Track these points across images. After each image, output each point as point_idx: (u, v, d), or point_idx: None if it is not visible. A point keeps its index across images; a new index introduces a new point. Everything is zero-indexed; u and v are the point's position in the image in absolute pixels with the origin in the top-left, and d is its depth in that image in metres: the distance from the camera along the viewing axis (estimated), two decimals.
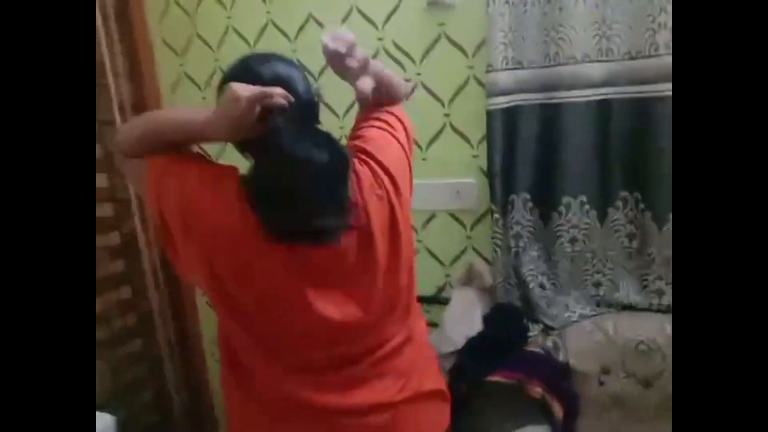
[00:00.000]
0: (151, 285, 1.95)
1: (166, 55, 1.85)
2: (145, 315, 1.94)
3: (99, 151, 1.75)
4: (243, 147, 0.88)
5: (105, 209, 1.78)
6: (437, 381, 1.01)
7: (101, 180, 1.76)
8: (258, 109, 0.78)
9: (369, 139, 0.94)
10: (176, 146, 0.87)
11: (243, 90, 0.77)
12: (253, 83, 0.79)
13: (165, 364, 2.02)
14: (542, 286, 1.50)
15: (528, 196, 1.46)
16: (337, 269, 0.86)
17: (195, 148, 0.96)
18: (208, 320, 2.10)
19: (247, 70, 0.85)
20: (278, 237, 0.80)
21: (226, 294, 0.83)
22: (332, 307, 0.85)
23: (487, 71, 1.36)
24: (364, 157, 0.90)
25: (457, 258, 1.63)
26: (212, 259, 0.81)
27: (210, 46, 1.78)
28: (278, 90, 0.79)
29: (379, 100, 0.98)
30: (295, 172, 0.77)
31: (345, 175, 0.80)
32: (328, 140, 0.80)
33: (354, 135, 0.97)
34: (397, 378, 0.92)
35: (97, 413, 1.29)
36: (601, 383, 1.37)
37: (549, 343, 1.43)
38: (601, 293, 1.47)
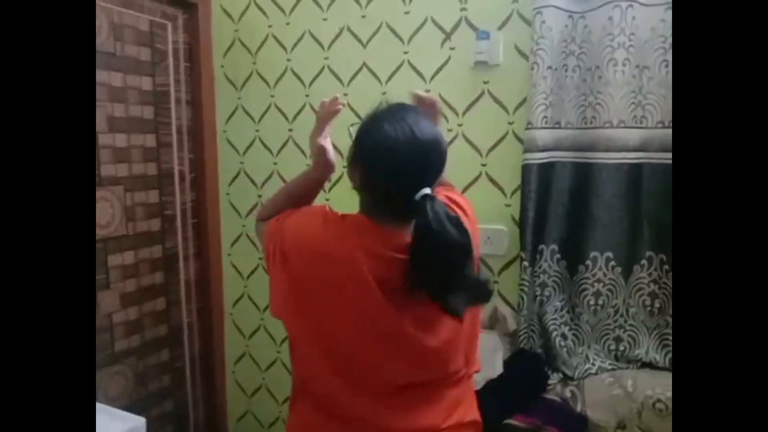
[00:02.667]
0: (183, 299, 2.05)
1: (226, 87, 2.01)
2: (175, 327, 2.02)
3: (154, 168, 1.88)
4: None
5: (153, 224, 1.90)
6: (476, 413, 1.07)
7: (153, 196, 1.89)
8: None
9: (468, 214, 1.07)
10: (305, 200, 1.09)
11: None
12: (385, 157, 0.87)
13: (187, 377, 2.09)
14: (564, 336, 1.54)
15: (556, 248, 1.53)
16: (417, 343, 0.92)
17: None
18: (233, 340, 2.17)
19: (384, 141, 0.87)
20: (455, 308, 0.86)
21: (326, 327, 0.90)
22: (430, 336, 0.91)
23: (527, 128, 1.46)
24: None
25: None
26: (326, 289, 0.88)
27: (267, 83, 1.93)
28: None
29: None
30: (453, 256, 0.82)
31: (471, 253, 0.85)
32: (459, 222, 0.84)
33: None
34: (448, 406, 0.98)
35: (129, 414, 1.35)
36: None
37: (567, 393, 1.46)
38: (621, 348, 1.50)
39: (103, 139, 1.69)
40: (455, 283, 0.84)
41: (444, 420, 0.97)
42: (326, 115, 1.06)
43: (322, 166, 1.07)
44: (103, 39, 1.68)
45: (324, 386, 0.95)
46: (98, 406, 1.36)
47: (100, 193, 1.69)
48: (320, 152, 1.05)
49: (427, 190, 0.84)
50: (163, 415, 1.99)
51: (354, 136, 0.94)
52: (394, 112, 0.90)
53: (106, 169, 1.71)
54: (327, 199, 1.90)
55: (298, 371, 1.02)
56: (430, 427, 0.95)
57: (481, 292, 0.88)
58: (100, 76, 1.67)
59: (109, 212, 1.73)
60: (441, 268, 0.82)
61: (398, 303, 0.87)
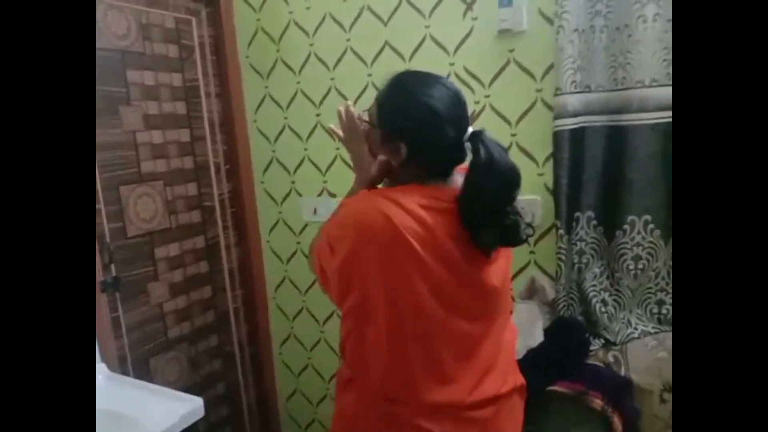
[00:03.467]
0: (228, 286, 2.13)
1: (253, 77, 2.04)
2: (222, 314, 2.10)
3: (190, 162, 1.94)
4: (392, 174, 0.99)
5: (194, 216, 1.97)
6: (522, 377, 1.09)
7: (191, 189, 1.96)
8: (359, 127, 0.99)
9: None
10: None
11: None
12: (432, 110, 0.90)
13: (236, 360, 2.18)
14: (604, 302, 1.53)
15: (592, 214, 1.51)
16: (487, 286, 0.96)
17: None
18: (277, 322, 2.24)
19: (426, 98, 0.91)
20: (486, 244, 0.91)
21: (424, 296, 0.89)
22: (493, 276, 0.96)
23: (556, 94, 1.43)
24: None
25: (519, 272, 1.69)
26: (415, 284, 0.88)
27: (292, 70, 1.95)
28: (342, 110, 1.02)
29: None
30: (507, 180, 0.89)
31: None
32: (506, 150, 0.92)
33: None
34: (501, 372, 1.01)
35: (188, 395, 1.43)
36: (663, 400, 1.38)
37: (610, 358, 1.46)
38: (664, 311, 1.48)
39: (141, 137, 1.76)
40: (497, 211, 0.89)
41: (501, 386, 1.00)
42: (354, 132, 1.02)
43: (380, 174, 1.01)
44: (133, 40, 1.73)
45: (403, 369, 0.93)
46: (158, 388, 1.45)
47: (141, 189, 1.76)
48: (378, 164, 0.99)
49: (470, 129, 0.92)
50: (217, 397, 2.09)
51: (382, 114, 0.95)
52: (411, 75, 0.98)
53: (145, 165, 1.78)
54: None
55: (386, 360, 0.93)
56: (491, 397, 0.98)
57: (515, 232, 0.92)
58: (133, 75, 1.73)
59: (152, 207, 1.80)
60: (488, 196, 0.88)
61: (469, 251, 0.91)
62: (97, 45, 1.62)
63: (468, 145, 0.91)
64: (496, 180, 0.88)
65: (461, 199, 0.89)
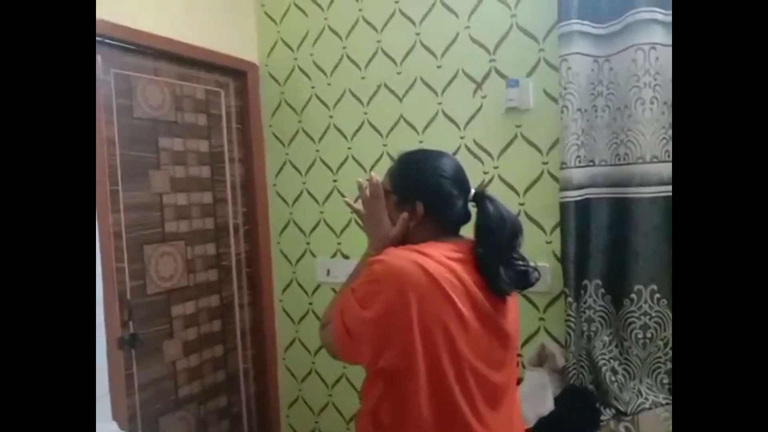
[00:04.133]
0: (239, 345, 2.15)
1: (275, 144, 2.17)
2: (232, 373, 2.11)
3: (211, 223, 2.03)
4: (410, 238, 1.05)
5: (211, 274, 2.03)
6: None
7: (210, 248, 2.03)
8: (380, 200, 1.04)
9: None
10: None
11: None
12: (442, 175, 1.03)
13: (244, 422, 2.16)
14: (614, 371, 1.54)
15: (600, 282, 1.55)
16: (507, 334, 1.02)
17: None
18: (286, 384, 2.24)
19: (435, 165, 1.05)
20: (499, 290, 0.97)
21: (455, 350, 0.93)
22: (509, 322, 1.01)
23: (562, 168, 1.52)
24: None
25: (529, 338, 1.71)
26: (453, 340, 0.92)
27: (312, 139, 2.08)
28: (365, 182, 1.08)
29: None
30: (512, 229, 0.99)
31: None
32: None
33: None
34: (519, 428, 1.07)
35: None
36: None
37: (621, 429, 1.45)
38: None
39: (167, 198, 1.86)
40: (509, 256, 0.99)
41: None
42: (378, 198, 1.07)
43: (401, 233, 1.05)
44: (166, 110, 1.87)
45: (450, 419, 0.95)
46: None
47: (163, 248, 1.84)
48: (401, 222, 1.04)
49: (473, 190, 1.05)
50: None
51: (399, 181, 1.06)
52: (420, 152, 1.12)
53: (169, 226, 1.86)
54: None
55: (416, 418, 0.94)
56: None
57: (526, 274, 1.00)
58: (164, 142, 1.85)
59: (172, 266, 1.87)
60: (500, 239, 0.97)
61: (489, 298, 0.97)
62: (134, 115, 1.75)
63: (472, 205, 1.04)
64: (506, 226, 0.99)
65: (479, 246, 0.98)
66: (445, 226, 1.04)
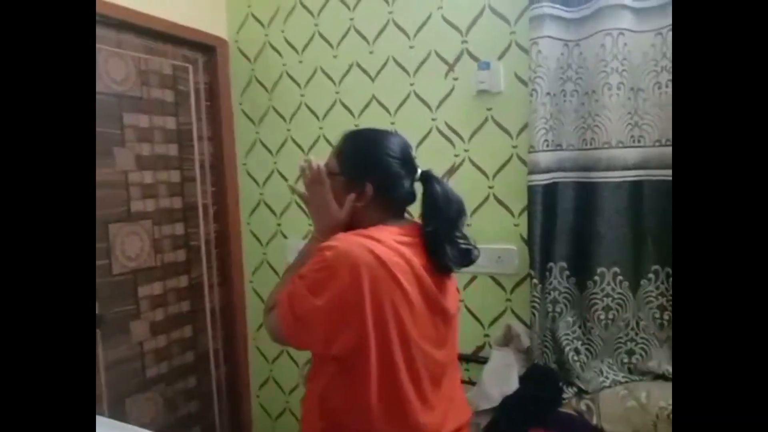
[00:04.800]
0: (209, 326, 2.13)
1: (245, 123, 2.13)
2: (201, 354, 2.10)
3: (179, 202, 1.99)
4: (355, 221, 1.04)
5: (179, 255, 2.00)
6: (470, 412, 1.16)
7: (178, 228, 2.00)
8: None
9: None
10: None
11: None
12: (391, 155, 1.03)
13: (214, 402, 2.16)
14: (577, 351, 1.58)
15: (565, 265, 1.58)
16: (449, 312, 1.05)
17: None
18: (256, 364, 2.24)
19: (384, 145, 1.05)
20: (445, 267, 1.01)
21: (406, 333, 0.95)
22: (450, 302, 1.05)
23: (530, 151, 1.53)
24: None
25: (496, 319, 1.74)
26: (401, 323, 0.93)
27: (284, 118, 2.04)
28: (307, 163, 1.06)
29: None
30: (457, 208, 1.02)
31: None
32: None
33: None
34: (461, 404, 1.11)
35: None
36: None
37: (582, 407, 1.50)
38: (634, 361, 1.54)
39: (132, 177, 1.81)
40: (454, 234, 1.02)
41: (463, 416, 1.08)
42: (321, 182, 1.05)
43: (349, 216, 1.04)
44: (131, 84, 1.81)
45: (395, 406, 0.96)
46: (134, 429, 1.44)
47: (130, 227, 1.80)
48: (349, 205, 1.03)
49: (419, 170, 1.06)
50: None
51: (348, 162, 1.04)
52: (367, 130, 1.11)
53: (135, 204, 1.82)
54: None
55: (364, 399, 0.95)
56: (457, 428, 1.05)
57: (469, 252, 1.04)
58: (129, 118, 1.80)
59: (138, 245, 1.84)
60: (447, 218, 1.01)
61: (435, 279, 1.00)
62: (96, 89, 1.69)
63: (417, 186, 1.06)
64: (452, 206, 1.02)
65: (428, 225, 1.01)
66: (392, 207, 1.05)
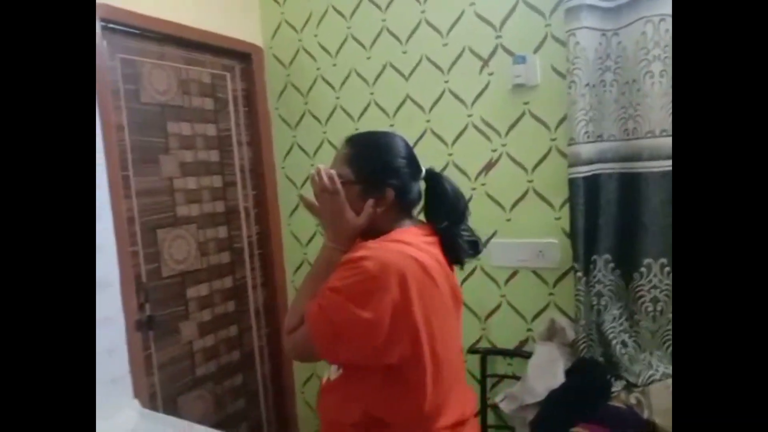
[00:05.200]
0: (254, 325, 2.19)
1: (282, 127, 2.17)
2: (247, 353, 2.16)
3: (221, 206, 2.05)
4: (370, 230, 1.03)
5: (223, 257, 2.06)
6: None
7: (222, 231, 2.06)
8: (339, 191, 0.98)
9: None
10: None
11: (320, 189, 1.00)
12: (401, 157, 1.03)
13: (260, 399, 2.22)
14: (624, 344, 1.56)
15: (609, 257, 1.56)
16: (461, 301, 1.10)
17: None
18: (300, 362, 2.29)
19: (395, 149, 1.04)
20: (458, 261, 1.05)
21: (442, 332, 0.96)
22: (459, 341, 1.09)
23: (570, 144, 1.52)
24: None
25: (538, 314, 1.73)
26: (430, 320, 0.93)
27: (319, 121, 2.08)
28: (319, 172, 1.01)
29: None
30: (465, 202, 1.06)
31: None
32: None
33: None
34: (470, 389, 1.14)
35: None
36: None
37: (632, 400, 1.47)
38: None
39: (177, 183, 1.88)
40: (462, 228, 1.05)
41: (473, 402, 1.12)
42: (336, 191, 1.00)
43: (368, 222, 1.01)
44: (173, 94, 1.88)
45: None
46: (190, 425, 1.50)
47: (176, 231, 1.87)
48: (367, 211, 1.00)
49: (423, 169, 1.07)
50: None
51: (363, 168, 1.01)
52: (373, 134, 1.09)
53: (180, 210, 1.89)
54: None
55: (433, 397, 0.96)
56: (473, 413, 1.09)
57: (476, 243, 1.08)
58: (172, 127, 1.87)
59: (185, 249, 1.90)
60: (458, 213, 1.05)
61: (452, 273, 1.05)
62: (141, 100, 1.76)
63: (422, 184, 1.07)
64: (461, 202, 1.06)
65: (442, 222, 1.03)
66: (406, 210, 1.04)
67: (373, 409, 0.96)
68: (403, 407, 0.95)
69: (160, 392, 1.80)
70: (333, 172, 1.01)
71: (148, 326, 1.74)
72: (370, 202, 0.99)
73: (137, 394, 1.62)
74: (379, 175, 1.00)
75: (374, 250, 0.92)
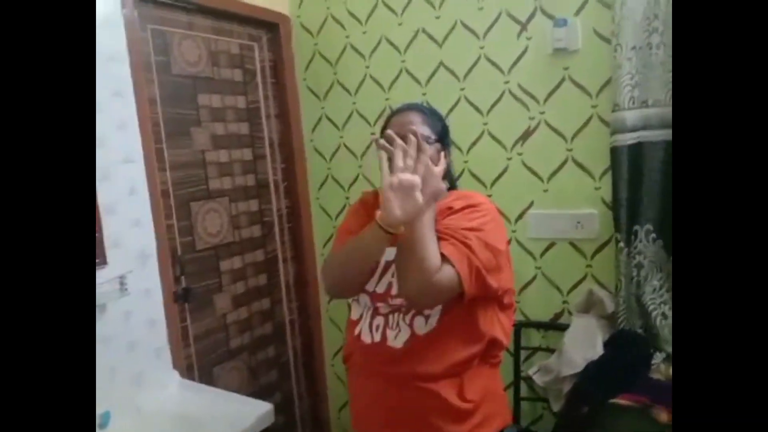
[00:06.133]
0: (284, 298, 2.21)
1: (310, 98, 2.14)
2: (278, 325, 2.18)
3: (252, 179, 2.05)
4: None
5: (255, 230, 2.06)
6: None
7: (253, 205, 2.05)
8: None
9: None
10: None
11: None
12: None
13: (292, 371, 2.25)
14: (665, 316, 1.53)
15: (651, 227, 1.52)
16: None
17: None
18: (330, 334, 2.30)
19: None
20: None
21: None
22: None
23: (614, 110, 1.46)
24: None
25: (575, 286, 1.71)
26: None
27: (348, 91, 2.04)
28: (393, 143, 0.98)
29: None
30: None
31: None
32: None
33: None
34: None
35: (258, 401, 1.50)
36: None
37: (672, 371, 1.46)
38: None
39: (209, 156, 1.87)
40: None
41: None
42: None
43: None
44: (203, 66, 1.85)
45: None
46: (229, 395, 1.52)
47: (209, 205, 1.87)
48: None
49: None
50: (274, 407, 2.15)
51: (440, 130, 1.16)
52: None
53: (213, 183, 1.88)
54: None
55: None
56: None
57: None
58: (203, 99, 1.85)
59: (218, 222, 1.91)
60: None
61: None
62: (173, 72, 1.74)
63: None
64: None
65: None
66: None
67: (497, 333, 1.11)
68: (508, 327, 1.16)
69: (196, 363, 1.83)
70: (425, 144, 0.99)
71: (184, 298, 1.76)
72: (443, 160, 1.06)
73: (175, 365, 1.65)
74: (448, 135, 1.17)
75: (480, 195, 1.15)
